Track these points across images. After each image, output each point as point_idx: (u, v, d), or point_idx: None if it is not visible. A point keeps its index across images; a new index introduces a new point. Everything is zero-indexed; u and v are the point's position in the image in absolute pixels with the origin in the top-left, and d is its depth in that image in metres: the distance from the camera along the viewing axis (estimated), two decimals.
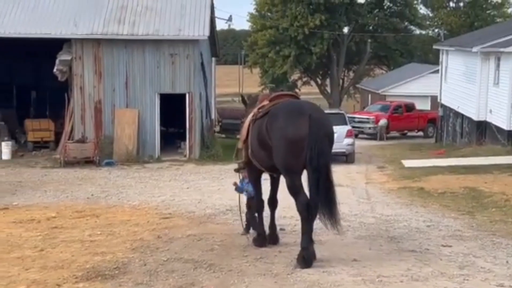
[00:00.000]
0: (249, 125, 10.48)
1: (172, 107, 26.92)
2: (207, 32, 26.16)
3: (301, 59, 56.83)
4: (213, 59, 36.33)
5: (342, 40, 58.74)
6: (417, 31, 65.46)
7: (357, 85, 62.48)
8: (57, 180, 20.47)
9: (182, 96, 26.12)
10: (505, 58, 27.58)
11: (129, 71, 25.91)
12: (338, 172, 21.06)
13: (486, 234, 12.08)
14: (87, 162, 24.43)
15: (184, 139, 26.85)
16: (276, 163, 9.88)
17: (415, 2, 63.18)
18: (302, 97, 12.79)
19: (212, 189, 18.42)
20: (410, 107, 43.59)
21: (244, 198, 11.91)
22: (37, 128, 27.88)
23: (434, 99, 44.04)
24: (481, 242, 11.37)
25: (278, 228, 11.35)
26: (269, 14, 59.46)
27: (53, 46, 26.03)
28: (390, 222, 13.22)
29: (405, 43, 61.23)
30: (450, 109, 35.93)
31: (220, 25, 71.77)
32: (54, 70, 26.15)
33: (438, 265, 9.67)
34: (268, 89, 54.16)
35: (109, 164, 24.34)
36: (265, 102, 10.43)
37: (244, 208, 11.88)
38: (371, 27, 60.35)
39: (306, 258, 9.45)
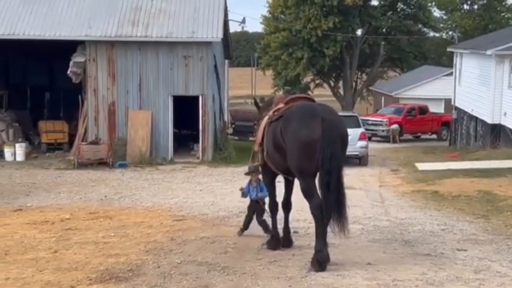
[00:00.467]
0: (264, 128, 10.48)
1: (185, 109, 26.94)
2: (220, 35, 26.16)
3: (314, 62, 56.75)
4: (226, 61, 36.34)
5: (355, 43, 58.60)
6: (431, 34, 65.19)
7: (370, 88, 62.30)
8: (71, 182, 20.51)
9: (195, 98, 26.13)
10: None
11: (142, 73, 25.96)
12: (352, 175, 21.03)
13: (502, 238, 11.99)
14: (101, 163, 24.47)
15: (197, 141, 26.86)
16: (290, 166, 9.87)
17: (429, 4, 62.94)
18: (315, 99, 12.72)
19: (225, 192, 18.39)
20: (423, 110, 43.41)
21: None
22: (51, 130, 27.96)
23: (448, 102, 43.85)
24: (497, 246, 11.29)
25: (292, 231, 11.31)
26: (282, 16, 59.42)
27: (67, 48, 26.13)
28: (404, 226, 13.15)
29: (418, 46, 60.99)
30: (464, 112, 35.74)
31: (233, 27, 71.79)
32: (68, 72, 26.24)
33: (454, 269, 9.61)
34: (283, 91, 54.08)
35: (122, 166, 24.38)
36: (281, 105, 10.43)
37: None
38: (384, 30, 60.15)
39: (320, 261, 9.42)
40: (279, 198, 11.19)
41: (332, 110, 10.52)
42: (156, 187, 19.41)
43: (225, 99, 34.04)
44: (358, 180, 21.07)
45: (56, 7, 26.83)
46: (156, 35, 25.88)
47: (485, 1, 63.55)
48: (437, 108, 46.18)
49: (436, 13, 67.19)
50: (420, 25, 61.25)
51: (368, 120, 40.77)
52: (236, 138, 35.16)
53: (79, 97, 26.55)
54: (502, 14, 64.72)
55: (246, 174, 11.67)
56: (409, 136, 42.87)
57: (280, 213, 11.15)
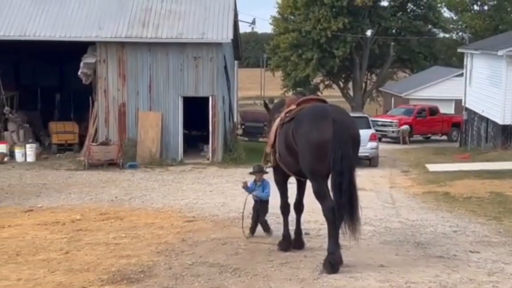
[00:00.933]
0: (276, 129, 10.44)
1: (195, 110, 26.95)
2: (230, 36, 26.17)
3: (323, 62, 56.67)
4: (236, 62, 36.32)
5: (365, 43, 58.49)
6: (441, 34, 64.95)
7: (380, 89, 62.14)
8: (81, 183, 20.54)
9: (205, 99, 26.12)
10: None
11: (152, 74, 25.99)
12: (362, 176, 20.88)
13: None
14: (111, 164, 24.51)
15: (207, 142, 26.85)
16: (302, 168, 9.84)
17: (439, 5, 62.73)
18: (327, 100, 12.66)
19: (235, 193, 18.31)
20: (434, 111, 43.24)
21: (251, 201, 11.98)
22: (61, 131, 28.06)
23: (458, 103, 43.68)
24: (510, 248, 11.21)
25: (303, 232, 11.28)
26: (292, 17, 59.36)
27: (78, 49, 26.21)
28: (416, 227, 13.08)
29: (428, 46, 60.78)
30: (475, 113, 35.58)
31: (243, 28, 71.94)
32: (79, 73, 26.30)
33: (467, 272, 9.54)
34: (295, 92, 53.97)
35: (132, 166, 24.41)
36: (292, 106, 10.39)
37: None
38: (394, 30, 60.01)
39: (333, 263, 9.37)
40: (291, 199, 11.16)
41: (343, 111, 10.47)
42: (166, 188, 19.41)
43: (234, 100, 34.02)
44: (368, 181, 20.99)
45: (66, 9, 26.90)
46: (166, 36, 25.90)
47: (495, 2, 63.23)
48: (447, 109, 46.00)
49: (446, 13, 67.00)
50: (430, 26, 61.02)
51: (378, 121, 40.63)
52: (245, 139, 35.13)
53: (90, 98, 26.60)
54: None
55: (251, 173, 11.80)
56: (419, 137, 42.70)
57: (292, 215, 11.11)
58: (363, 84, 62.08)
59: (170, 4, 26.99)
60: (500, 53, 29.10)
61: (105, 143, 25.36)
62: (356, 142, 9.84)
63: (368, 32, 59.68)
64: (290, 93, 58.27)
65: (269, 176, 11.70)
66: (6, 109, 27.43)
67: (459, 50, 42.16)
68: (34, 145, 26.28)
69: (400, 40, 59.35)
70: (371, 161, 26.20)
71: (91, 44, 26.28)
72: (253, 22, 57.08)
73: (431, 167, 24.83)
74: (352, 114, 20.83)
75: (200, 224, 13.36)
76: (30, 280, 9.25)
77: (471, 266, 9.94)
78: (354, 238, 9.65)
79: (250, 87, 75.78)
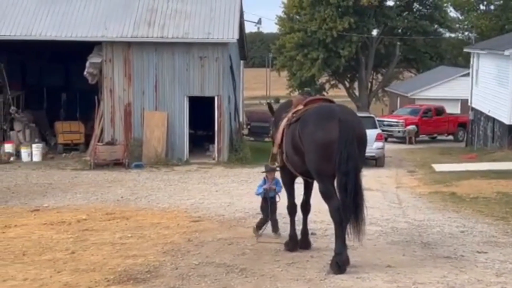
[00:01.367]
0: (283, 130, 10.41)
1: (201, 110, 26.93)
2: (236, 35, 26.14)
3: (329, 62, 56.62)
4: (241, 62, 36.30)
5: (370, 43, 58.40)
6: (447, 34, 64.80)
7: (386, 88, 62.02)
8: (87, 182, 20.55)
9: (211, 99, 26.11)
10: None
11: (158, 73, 25.98)
12: (368, 176, 20.82)
13: None
14: (117, 164, 24.52)
15: (212, 142, 26.84)
16: (309, 168, 9.81)
17: (445, 4, 62.57)
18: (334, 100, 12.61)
19: (241, 192, 18.33)
20: (440, 111, 43.14)
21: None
22: (67, 131, 28.09)
23: (464, 103, 43.58)
24: None
25: (309, 232, 11.24)
26: (297, 17, 59.31)
27: (84, 48, 26.23)
28: (423, 227, 13.02)
29: (434, 46, 60.65)
30: (481, 113, 35.48)
31: (248, 28, 72.01)
32: (85, 72, 26.33)
33: (475, 272, 9.49)
34: (303, 92, 53.88)
35: (138, 166, 24.41)
36: (300, 107, 10.35)
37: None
38: (400, 30, 59.91)
39: (340, 264, 9.33)
40: (298, 199, 11.13)
41: (350, 111, 10.43)
42: (172, 188, 19.39)
43: (240, 100, 34.00)
44: (374, 181, 20.94)
45: (72, 8, 26.93)
46: (172, 36, 25.90)
47: (501, 2, 63.02)
48: (453, 109, 45.90)
49: (452, 13, 66.83)
50: (436, 26, 60.90)
51: (384, 121, 40.55)
52: (251, 139, 35.11)
53: (95, 97, 26.62)
54: None
55: (264, 172, 11.81)
56: (425, 137, 42.61)
57: (298, 215, 11.08)
58: (369, 84, 62.00)
59: (176, 4, 26.98)
60: (506, 52, 29.02)
61: (111, 143, 25.38)
62: (362, 142, 9.79)
63: (374, 32, 59.59)
64: (295, 93, 58.27)
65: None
66: (12, 108, 27.49)
67: (465, 50, 42.05)
68: (40, 145, 26.31)
69: (406, 40, 59.25)
70: (377, 161, 26.14)
71: (97, 44, 26.30)
72: (259, 22, 56.69)
73: (438, 167, 24.75)
74: (358, 114, 20.85)
75: (206, 224, 13.33)
76: (36, 280, 9.24)
77: (478, 266, 9.88)
78: (359, 239, 9.59)
79: (255, 87, 75.76)
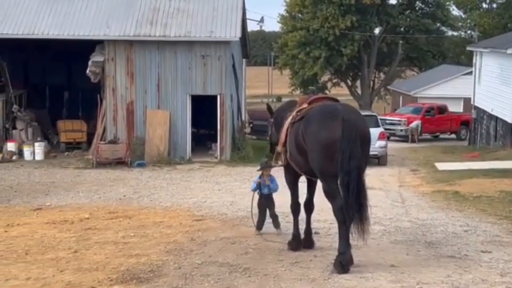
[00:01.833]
0: (287, 128, 10.38)
1: (203, 109, 26.90)
2: (238, 34, 26.10)
3: (331, 61, 56.53)
4: (244, 60, 36.27)
5: (373, 42, 58.30)
6: (449, 33, 64.67)
7: (388, 87, 61.93)
8: (90, 181, 20.54)
9: (214, 98, 26.08)
10: None
11: (161, 72, 25.96)
12: (371, 175, 20.79)
13: None
14: (119, 163, 24.51)
15: (215, 140, 26.82)
16: (312, 167, 9.78)
17: (448, 3, 62.45)
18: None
19: (244, 191, 18.24)
20: (442, 109, 43.06)
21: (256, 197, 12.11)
22: (70, 129, 28.07)
23: (466, 101, 43.49)
24: None
25: (313, 231, 11.21)
26: (299, 15, 59.21)
27: (86, 47, 26.21)
28: (427, 227, 12.98)
29: (437, 45, 60.53)
30: (484, 112, 35.41)
31: (250, 26, 71.77)
32: (87, 71, 26.30)
33: (479, 272, 9.45)
34: (309, 91, 53.79)
35: (140, 165, 24.40)
36: (304, 105, 10.32)
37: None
38: (402, 28, 59.78)
39: (343, 264, 9.30)
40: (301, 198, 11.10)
41: (354, 110, 10.39)
42: (174, 187, 19.38)
43: (243, 99, 33.96)
44: (377, 180, 20.88)
45: (75, 7, 26.89)
46: (175, 34, 25.87)
47: (504, 0, 62.92)
48: (456, 108, 45.77)
49: (455, 11, 66.72)
50: (438, 24, 60.76)
51: (386, 119, 40.48)
52: (254, 137, 35.08)
53: (98, 96, 26.60)
54: None
55: (259, 170, 11.96)
56: (428, 136, 42.53)
57: (302, 214, 11.05)
58: (371, 83, 61.89)
59: (178, 2, 26.94)
60: (509, 51, 28.95)
61: (113, 141, 25.36)
62: (366, 141, 9.75)
63: (376, 30, 59.45)
64: (298, 92, 58.26)
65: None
66: (15, 107, 27.47)
67: (468, 48, 41.97)
68: (42, 144, 26.31)
69: (408, 38, 59.13)
70: (380, 160, 26.09)
71: (99, 42, 26.28)
72: (262, 20, 56.95)
73: (440, 166, 24.70)
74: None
75: (209, 223, 13.31)
76: (39, 279, 9.22)
77: (483, 266, 9.84)
78: (363, 239, 9.55)
79: (257, 86, 75.66)
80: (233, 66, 27.54)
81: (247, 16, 33.01)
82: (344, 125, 9.33)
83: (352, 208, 9.30)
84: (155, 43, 25.94)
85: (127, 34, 25.89)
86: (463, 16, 67.76)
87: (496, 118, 32.63)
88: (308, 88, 53.15)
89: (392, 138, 38.53)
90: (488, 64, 34.81)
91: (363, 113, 26.97)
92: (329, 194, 9.59)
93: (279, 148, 10.76)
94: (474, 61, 38.32)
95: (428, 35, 58.75)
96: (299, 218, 11.05)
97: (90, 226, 12.99)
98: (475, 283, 8.90)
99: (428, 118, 41.93)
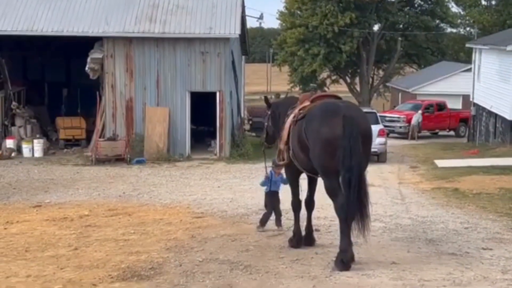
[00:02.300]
0: (290, 126, 10.35)
1: (203, 105, 26.86)
2: (238, 31, 26.06)
3: (330, 58, 56.43)
4: (243, 57, 36.22)
5: (372, 38, 58.22)
6: (449, 30, 64.58)
7: (387, 84, 61.89)
8: (89, 178, 20.51)
9: (213, 94, 26.04)
10: None
11: (160, 69, 25.91)
12: (370, 172, 20.52)
13: None
14: (118, 160, 24.47)
15: (214, 137, 26.78)
16: (314, 164, 9.77)
17: (446, 0, 62.38)
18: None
19: (244, 188, 18.29)
20: (441, 106, 43.01)
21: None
22: (69, 126, 28.03)
23: (466, 98, 43.42)
24: None
25: (314, 229, 11.19)
26: (298, 12, 59.08)
27: (85, 44, 26.16)
28: (427, 224, 12.96)
29: (436, 41, 60.45)
30: (483, 108, 35.38)
31: (250, 23, 71.66)
32: (86, 68, 26.25)
33: (480, 269, 9.43)
34: (310, 89, 53.74)
35: (139, 162, 24.37)
36: (306, 103, 10.30)
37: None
38: (401, 25, 59.67)
39: (345, 261, 9.28)
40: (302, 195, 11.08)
41: (356, 107, 10.38)
42: (174, 184, 19.36)
43: (242, 96, 33.91)
44: (377, 177, 20.83)
45: (74, 4, 26.83)
46: (174, 31, 25.82)
47: None
48: (455, 105, 45.72)
49: (454, 8, 66.57)
50: (437, 21, 60.66)
51: (385, 116, 40.42)
52: (253, 134, 34.98)
53: (97, 93, 26.55)
54: None
55: (272, 167, 11.87)
56: (427, 133, 42.50)
57: (303, 211, 11.03)
58: (370, 80, 61.80)
59: None
60: (509, 48, 28.89)
61: (113, 138, 25.31)
62: (367, 138, 9.74)
63: (375, 27, 59.36)
64: (297, 89, 58.17)
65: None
66: (14, 104, 27.42)
67: (467, 45, 41.92)
68: (41, 140, 26.28)
69: (407, 35, 59.06)
70: (379, 157, 26.06)
71: (98, 39, 26.22)
72: (261, 17, 56.41)
73: (440, 163, 24.67)
74: None
75: (209, 220, 13.30)
76: (39, 276, 9.19)
77: (484, 263, 9.83)
78: (363, 236, 9.54)
79: (256, 83, 75.57)
80: (233, 63, 27.49)
81: (246, 13, 32.94)
82: (345, 122, 9.32)
83: (353, 205, 9.28)
84: (154, 40, 25.89)
85: (126, 30, 25.83)
86: (462, 13, 67.63)
87: (495, 115, 32.60)
88: (308, 85, 53.20)
89: (391, 135, 38.50)
90: (487, 61, 34.77)
91: (363, 110, 27.11)
92: (331, 191, 9.58)
93: (281, 146, 10.73)
94: (473, 58, 38.27)
95: (427, 32, 58.66)
96: (300, 215, 11.03)
97: (90, 223, 12.98)
98: (476, 280, 8.88)
99: (427, 115, 41.89)
